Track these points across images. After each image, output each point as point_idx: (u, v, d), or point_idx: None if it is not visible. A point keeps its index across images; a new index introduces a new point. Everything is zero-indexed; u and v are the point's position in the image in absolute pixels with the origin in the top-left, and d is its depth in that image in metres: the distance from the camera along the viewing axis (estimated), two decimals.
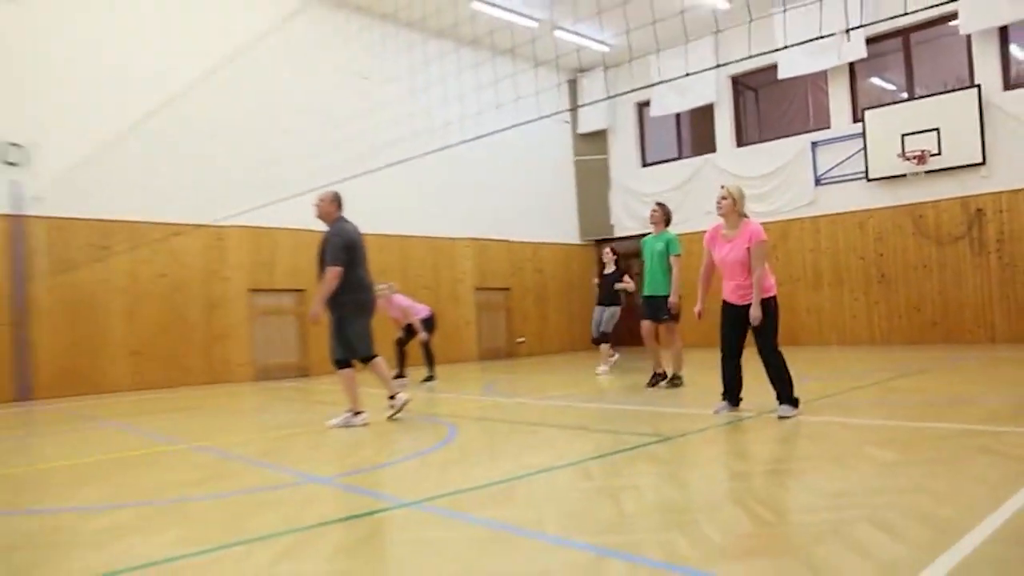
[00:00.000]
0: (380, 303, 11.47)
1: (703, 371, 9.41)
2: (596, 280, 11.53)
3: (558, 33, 16.19)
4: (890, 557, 2.61)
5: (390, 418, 6.91)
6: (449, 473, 4.46)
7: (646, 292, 8.79)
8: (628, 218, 18.74)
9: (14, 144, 11.00)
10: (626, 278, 10.95)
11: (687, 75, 6.40)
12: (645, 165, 18.90)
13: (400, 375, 11.23)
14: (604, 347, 11.07)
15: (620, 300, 10.97)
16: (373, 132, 10.91)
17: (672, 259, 8.62)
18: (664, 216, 8.87)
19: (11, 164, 10.96)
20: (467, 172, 16.21)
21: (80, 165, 10.96)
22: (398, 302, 11.17)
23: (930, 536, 2.83)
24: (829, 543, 2.78)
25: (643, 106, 18.60)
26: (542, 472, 4.37)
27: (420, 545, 3.01)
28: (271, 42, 10.24)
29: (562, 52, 17.31)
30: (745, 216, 6.16)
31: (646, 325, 8.83)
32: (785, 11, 13.34)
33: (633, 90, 7.63)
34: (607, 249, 11.35)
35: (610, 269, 11.01)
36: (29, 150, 11.09)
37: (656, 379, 8.77)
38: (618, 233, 18.83)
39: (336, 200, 7.02)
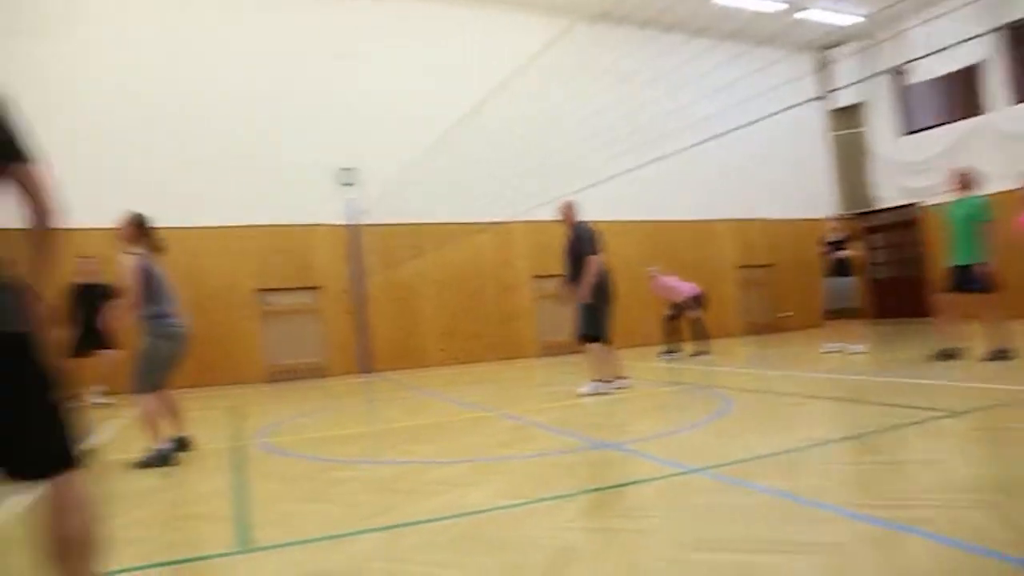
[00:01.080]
0: (651, 285, 11.59)
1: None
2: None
3: (804, 14, 15.02)
4: None
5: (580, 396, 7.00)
6: (730, 442, 4.37)
7: (954, 262, 7.61)
8: (891, 189, 16.93)
9: (347, 169, 12.47)
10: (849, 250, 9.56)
11: (961, 41, 5.63)
12: (907, 134, 16.94)
13: (670, 351, 11.20)
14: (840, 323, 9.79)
15: (849, 271, 9.61)
16: (638, 130, 10.88)
17: (981, 225, 7.40)
18: (964, 181, 7.65)
19: (347, 185, 12.46)
20: (723, 158, 15.57)
21: (396, 182, 12.12)
22: (662, 283, 11.33)
23: None
24: None
25: (900, 74, 16.65)
26: (822, 444, 4.13)
27: (711, 509, 2.99)
28: (545, 60, 10.56)
29: (810, 30, 16.04)
30: None
31: (948, 297, 7.68)
32: None
33: (891, 67, 6.87)
34: (831, 223, 10.07)
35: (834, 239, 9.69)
36: (359, 173, 12.52)
37: (946, 354, 7.53)
38: (881, 205, 17.12)
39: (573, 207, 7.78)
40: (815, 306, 17.12)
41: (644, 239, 15.14)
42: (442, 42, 13.62)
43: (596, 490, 3.44)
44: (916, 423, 4.54)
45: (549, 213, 12.89)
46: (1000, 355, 7.19)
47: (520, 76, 10.87)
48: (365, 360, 12.43)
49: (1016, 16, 13.64)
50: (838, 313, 9.75)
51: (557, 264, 14.10)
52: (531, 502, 3.31)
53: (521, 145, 13.70)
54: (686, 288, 11.23)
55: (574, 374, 9.83)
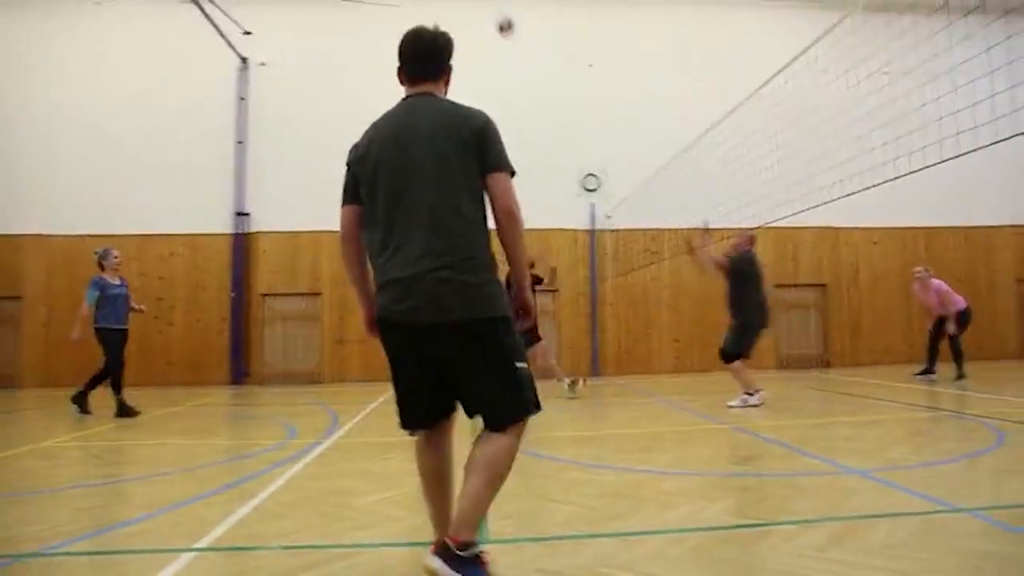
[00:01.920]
0: (915, 287, 10.45)
1: None
2: None
3: None
4: None
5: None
6: (1004, 482, 3.86)
7: None
8: None
9: (592, 175, 12.73)
10: None
11: None
12: None
13: (928, 371, 10.08)
14: None
15: None
16: (896, 129, 9.91)
17: None
18: None
19: (590, 191, 12.73)
20: (1001, 154, 13.69)
21: (637, 188, 12.15)
22: (934, 287, 10.15)
23: None
24: None
25: None
26: None
27: (978, 557, 2.67)
28: (806, 59, 10.00)
29: None
30: None
31: None
32: None
33: None
34: None
35: None
36: (602, 179, 12.72)
37: None
38: None
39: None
40: None
41: (903, 247, 13.79)
42: (694, 44, 13.40)
43: (842, 519, 3.20)
44: None
45: (796, 219, 12.28)
46: None
47: (778, 77, 10.40)
48: (594, 363, 12.61)
49: None
50: None
51: (799, 272, 13.44)
52: (768, 524, 3.18)
53: (776, 149, 13.10)
54: (958, 300, 10.05)
55: (814, 390, 9.22)
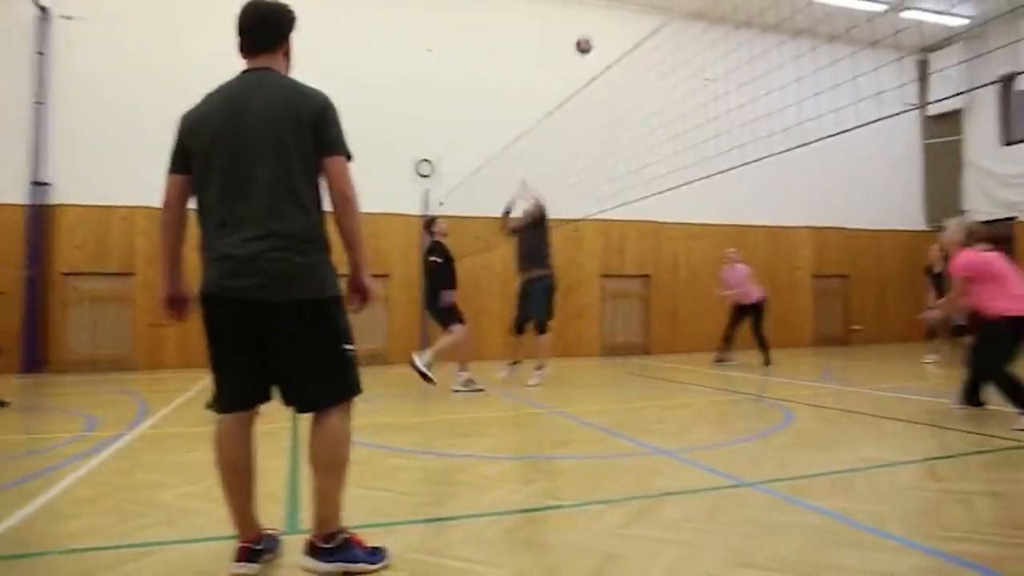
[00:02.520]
0: (724, 269, 11.38)
1: None
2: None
3: (907, 14, 14.44)
4: None
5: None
6: (787, 457, 4.27)
7: None
8: (984, 201, 16.16)
9: (426, 160, 12.65)
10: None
11: None
12: (1009, 143, 16.10)
13: (722, 359, 11.01)
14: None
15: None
16: (728, 132, 10.66)
17: None
18: None
19: (424, 176, 12.66)
20: (808, 162, 15.10)
21: (471, 175, 12.23)
22: (740, 270, 11.11)
23: None
24: None
25: (1008, 80, 15.82)
26: (884, 466, 4.00)
27: (760, 526, 2.94)
28: (632, 58, 10.45)
29: (912, 33, 15.40)
30: None
31: None
32: None
33: (1003, 76, 6.56)
34: (935, 245, 10.14)
35: (939, 267, 10.11)
36: (436, 165, 12.69)
37: None
38: (972, 218, 16.35)
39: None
40: (889, 321, 16.61)
41: (723, 242, 14.87)
42: (526, 36, 13.62)
43: (645, 497, 3.41)
44: (988, 452, 4.35)
45: (622, 212, 12.91)
46: None
47: (606, 74, 10.81)
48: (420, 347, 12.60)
49: None
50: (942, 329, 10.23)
51: (624, 263, 14.14)
52: (579, 504, 3.32)
53: (601, 145, 13.66)
54: (755, 289, 10.98)
55: (635, 376, 9.76)
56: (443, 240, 8.29)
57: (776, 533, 2.84)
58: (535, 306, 8.84)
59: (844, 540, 2.76)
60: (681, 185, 7.83)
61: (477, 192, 12.33)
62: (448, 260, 8.16)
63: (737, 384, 8.40)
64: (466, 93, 13.02)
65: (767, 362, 10.50)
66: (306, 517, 3.15)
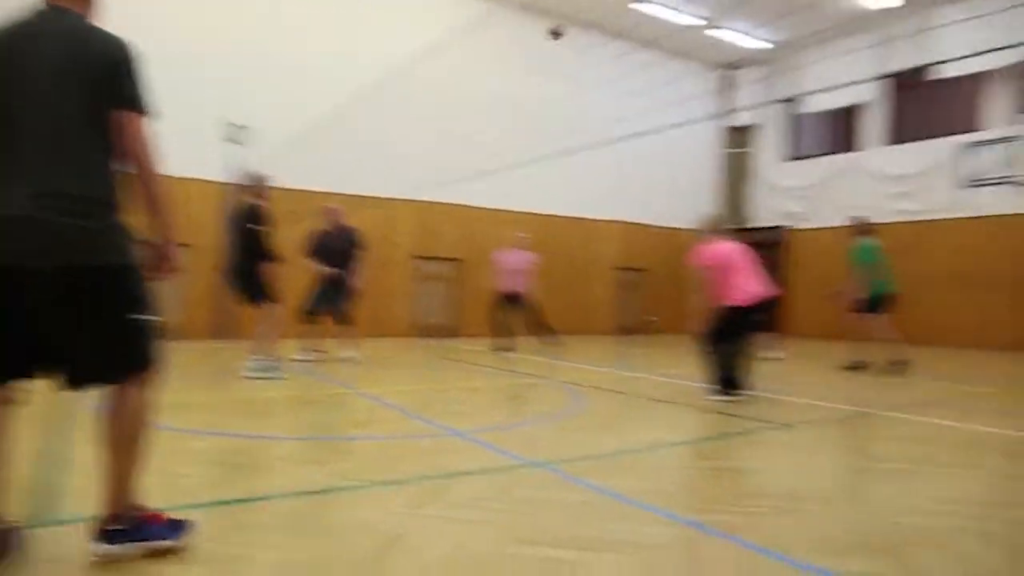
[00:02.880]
0: (511, 249, 11.07)
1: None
2: None
3: (716, 32, 15.66)
4: (991, 568, 2.45)
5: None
6: (573, 439, 4.52)
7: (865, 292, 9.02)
8: (766, 210, 18.03)
9: (237, 125, 11.91)
10: None
11: (853, 83, 6.05)
12: (790, 160, 18.02)
13: (504, 347, 10.77)
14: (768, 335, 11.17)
15: None
16: (541, 124, 10.98)
17: (863, 265, 8.96)
18: (859, 228, 9.18)
19: (234, 142, 11.90)
20: (618, 160, 16.00)
21: (284, 144, 11.71)
22: (523, 256, 10.88)
23: None
24: (930, 548, 2.63)
25: (793, 102, 17.66)
26: (659, 447, 4.36)
27: (539, 504, 3.09)
28: (457, 43, 10.48)
29: (718, 50, 16.73)
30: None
31: (854, 318, 9.17)
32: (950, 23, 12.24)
33: (783, 99, 7.32)
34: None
35: None
36: (250, 131, 11.97)
37: (859, 366, 8.90)
38: (754, 225, 18.14)
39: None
40: (683, 313, 18.03)
41: (531, 231, 15.35)
42: (366, 10, 13.21)
43: (435, 477, 3.48)
44: (747, 432, 4.86)
45: (438, 195, 12.97)
46: (895, 368, 8.58)
47: (429, 57, 10.75)
48: (225, 325, 11.95)
49: (896, 66, 14.71)
50: None
51: (438, 246, 14.23)
52: (369, 486, 3.32)
53: (419, 125, 13.58)
54: (522, 281, 10.80)
55: (442, 358, 9.87)
56: (265, 205, 7.27)
57: (554, 510, 3.01)
58: (337, 297, 8.85)
59: (614, 515, 2.98)
60: (497, 171, 7.97)
61: (294, 162, 11.85)
62: (267, 229, 7.22)
63: (536, 368, 8.75)
64: (287, 60, 12.42)
65: (549, 343, 10.73)
66: (69, 506, 2.91)
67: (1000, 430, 5.15)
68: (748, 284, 5.97)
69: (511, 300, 10.81)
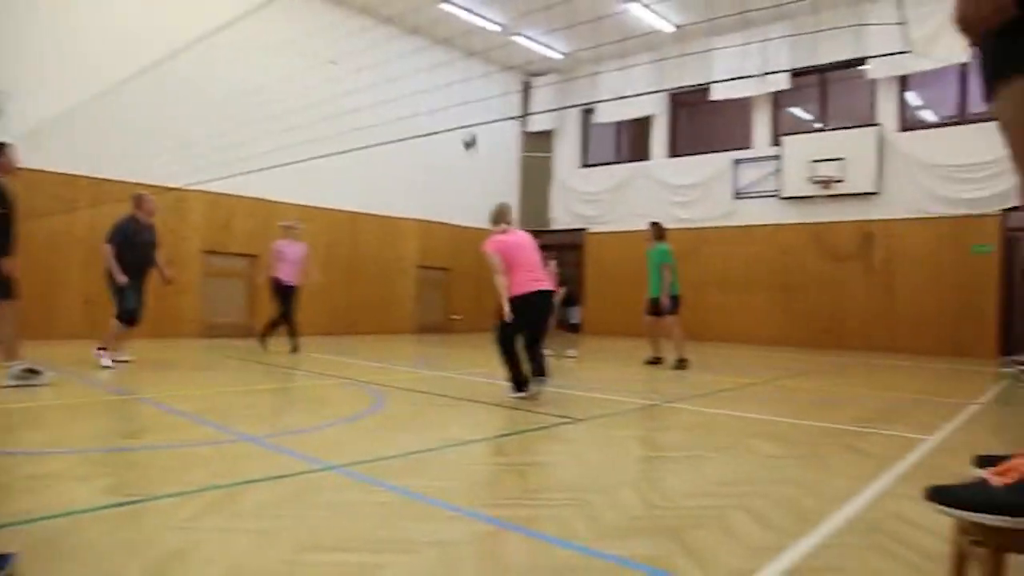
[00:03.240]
0: (280, 242, 10.45)
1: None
2: None
3: (516, 38, 16.12)
4: (757, 542, 2.71)
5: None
6: (372, 440, 4.44)
7: (652, 294, 9.70)
8: (565, 213, 18.90)
9: None
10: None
11: (638, 94, 6.45)
12: (585, 166, 19.01)
13: (262, 343, 10.45)
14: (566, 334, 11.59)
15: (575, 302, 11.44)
16: (338, 117, 10.66)
17: (663, 267, 9.49)
18: (655, 233, 9.73)
19: None
20: (420, 158, 16.05)
21: (53, 120, 10.50)
22: (297, 247, 10.44)
23: (792, 523, 2.94)
24: (705, 527, 2.86)
25: (588, 112, 18.67)
26: (459, 445, 4.39)
27: (335, 508, 3.00)
28: (248, 22, 9.91)
29: (519, 57, 17.23)
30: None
31: (648, 319, 9.81)
32: (723, 47, 13.51)
33: (581, 104, 7.67)
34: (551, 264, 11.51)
35: None
36: (6, 103, 10.57)
37: (656, 361, 9.79)
38: (555, 227, 18.96)
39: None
40: (485, 312, 18.44)
41: (331, 227, 14.95)
42: None
43: (224, 486, 3.26)
44: (543, 428, 5.04)
45: (229, 186, 12.24)
46: (681, 364, 9.39)
47: (216, 38, 10.09)
48: None
49: (676, 85, 15.97)
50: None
51: (230, 241, 13.45)
52: (146, 500, 3.04)
53: (209, 108, 12.74)
54: (292, 273, 10.34)
55: (234, 359, 9.32)
56: (4, 181, 6.18)
57: (350, 514, 2.93)
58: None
59: (413, 515, 2.95)
60: (290, 164, 7.68)
61: (63, 143, 10.66)
62: (8, 211, 6.14)
63: (336, 369, 8.53)
64: (54, 26, 11.13)
65: (295, 349, 10.26)
66: None
67: (766, 416, 5.76)
68: (526, 276, 6.09)
69: (287, 292, 10.34)
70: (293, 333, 10.39)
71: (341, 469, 3.65)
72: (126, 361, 8.22)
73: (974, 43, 1.35)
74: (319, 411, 5.58)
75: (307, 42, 13.66)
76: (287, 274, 10.33)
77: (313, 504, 3.05)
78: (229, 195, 13.12)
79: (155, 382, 6.87)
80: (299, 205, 14.29)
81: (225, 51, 12.02)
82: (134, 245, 8.07)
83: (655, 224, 9.89)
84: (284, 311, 10.36)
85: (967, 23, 1.29)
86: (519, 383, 6.21)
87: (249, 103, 12.94)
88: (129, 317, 8.00)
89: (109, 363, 7.85)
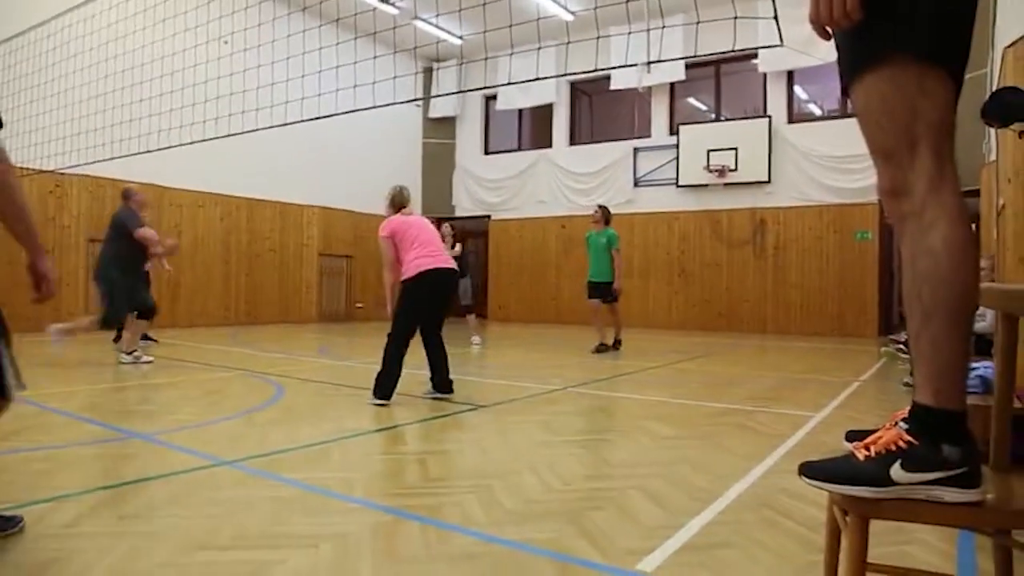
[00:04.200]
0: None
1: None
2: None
3: (417, 22, 15.90)
4: (653, 521, 2.80)
5: None
6: (271, 433, 4.33)
7: (593, 279, 9.74)
8: (468, 200, 18.87)
9: None
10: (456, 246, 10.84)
11: (536, 79, 6.48)
12: (488, 153, 19.02)
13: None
14: (470, 318, 11.14)
15: (466, 272, 11.01)
16: (231, 98, 10.25)
17: (613, 252, 9.58)
18: (604, 216, 9.79)
19: None
20: (319, 143, 15.65)
21: None
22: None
23: (686, 502, 3.05)
24: (604, 509, 2.94)
25: (490, 99, 18.66)
26: (360, 435, 4.34)
27: (229, 504, 2.91)
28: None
29: (420, 41, 17.00)
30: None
31: (594, 304, 9.80)
32: (629, 33, 13.73)
33: (481, 87, 7.65)
34: (445, 225, 11.30)
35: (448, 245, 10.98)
36: None
37: (601, 348, 9.74)
38: (458, 213, 18.89)
39: None
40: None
41: (226, 214, 14.42)
42: None
43: (111, 487, 3.10)
44: (446, 415, 5.04)
45: (118, 171, 11.58)
46: (617, 346, 9.85)
47: (86, 11, 9.51)
48: None
49: (572, 72, 16.09)
50: (465, 310, 11.04)
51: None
52: (20, 506, 2.86)
53: (89, 84, 12.00)
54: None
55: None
56: None
57: (244, 510, 2.85)
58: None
59: (311, 508, 2.90)
60: (178, 145, 7.35)
61: None
62: None
63: (234, 360, 8.26)
64: None
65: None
66: None
67: (663, 398, 5.95)
68: (423, 251, 5.56)
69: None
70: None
71: (237, 464, 3.54)
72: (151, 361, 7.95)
73: (828, 40, 1.44)
74: (216, 404, 5.38)
75: (195, 16, 13.06)
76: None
77: (207, 501, 2.95)
78: (115, 180, 12.42)
79: (32, 380, 6.44)
80: (193, 191, 13.71)
81: (109, 22, 11.36)
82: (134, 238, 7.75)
83: (603, 207, 9.98)
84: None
85: (819, 24, 1.38)
86: (385, 389, 5.44)
87: (136, 80, 12.27)
88: (150, 310, 8.04)
89: (150, 357, 7.99)
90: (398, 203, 6.03)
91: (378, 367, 5.44)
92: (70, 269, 12.12)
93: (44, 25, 10.04)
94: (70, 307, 12.15)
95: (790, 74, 14.66)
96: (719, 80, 15.78)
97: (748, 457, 3.87)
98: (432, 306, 5.68)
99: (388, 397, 5.42)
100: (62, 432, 4.32)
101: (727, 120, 15.40)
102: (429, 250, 5.58)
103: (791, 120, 14.70)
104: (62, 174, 11.26)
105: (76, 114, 11.56)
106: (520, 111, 18.43)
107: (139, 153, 9.44)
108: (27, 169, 10.95)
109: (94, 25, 10.98)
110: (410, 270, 5.48)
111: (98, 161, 9.95)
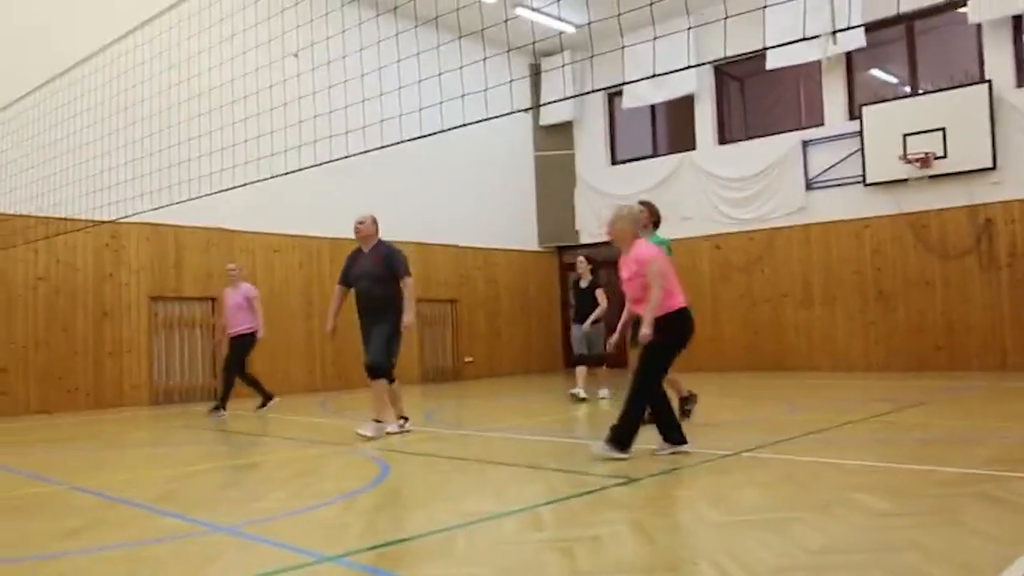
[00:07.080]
0: (225, 290, 10.97)
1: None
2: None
3: (519, 10, 16.20)
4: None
5: None
6: (377, 521, 4.41)
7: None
8: (595, 222, 18.85)
9: None
10: (599, 293, 10.90)
11: (678, 69, 6.45)
12: (615, 163, 19.01)
13: (218, 406, 10.65)
14: (580, 370, 11.07)
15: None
16: (303, 123, 10.73)
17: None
18: (652, 217, 8.21)
19: None
20: (408, 168, 16.10)
21: None
22: (245, 292, 10.80)
23: None
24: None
25: (614, 96, 18.67)
26: (486, 520, 4.34)
27: None
28: (182, 13, 10.04)
29: (523, 32, 17.32)
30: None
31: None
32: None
33: (600, 89, 7.67)
34: (580, 258, 11.34)
35: (585, 282, 11.06)
36: None
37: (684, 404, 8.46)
38: (584, 240, 18.77)
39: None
40: (502, 351, 18.39)
41: (306, 259, 15.00)
42: None
43: None
44: (591, 492, 4.98)
45: (177, 217, 12.31)
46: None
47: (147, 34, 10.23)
48: None
49: (720, 55, 15.97)
50: (579, 360, 11.12)
51: (186, 283, 13.51)
52: None
53: (144, 124, 12.87)
54: (244, 320, 10.75)
55: (197, 429, 9.32)
56: None
57: None
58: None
59: None
60: (243, 184, 7.65)
61: None
62: None
63: (326, 433, 8.51)
64: None
65: (219, 408, 10.54)
66: None
67: (871, 463, 5.67)
68: (680, 292, 6.28)
69: (231, 345, 10.80)
70: (223, 391, 10.76)
71: (342, 560, 3.60)
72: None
73: None
74: (308, 487, 5.54)
75: (257, 32, 13.81)
76: (226, 324, 10.88)
77: None
78: (176, 226, 13.21)
79: (93, 465, 6.87)
80: (266, 233, 14.39)
81: (154, 51, 12.19)
82: None
83: (647, 203, 8.62)
84: (224, 366, 10.86)
85: None
86: (629, 437, 5.91)
87: (195, 112, 13.06)
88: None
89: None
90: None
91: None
92: (131, 334, 12.89)
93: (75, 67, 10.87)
94: (134, 378, 12.93)
95: (1017, 20, 13.88)
96: (912, 41, 15.20)
97: (1005, 541, 3.60)
98: (681, 346, 6.24)
99: (628, 447, 5.89)
100: (133, 527, 4.54)
101: (928, 93, 14.77)
102: (678, 285, 6.29)
103: (1021, 83, 13.90)
104: (117, 223, 12.05)
105: (131, 156, 12.40)
106: (653, 107, 18.35)
107: (202, 196, 9.97)
108: (78, 220, 11.81)
109: (144, 54, 11.79)
110: (676, 303, 6.11)
111: (158, 208, 10.58)
